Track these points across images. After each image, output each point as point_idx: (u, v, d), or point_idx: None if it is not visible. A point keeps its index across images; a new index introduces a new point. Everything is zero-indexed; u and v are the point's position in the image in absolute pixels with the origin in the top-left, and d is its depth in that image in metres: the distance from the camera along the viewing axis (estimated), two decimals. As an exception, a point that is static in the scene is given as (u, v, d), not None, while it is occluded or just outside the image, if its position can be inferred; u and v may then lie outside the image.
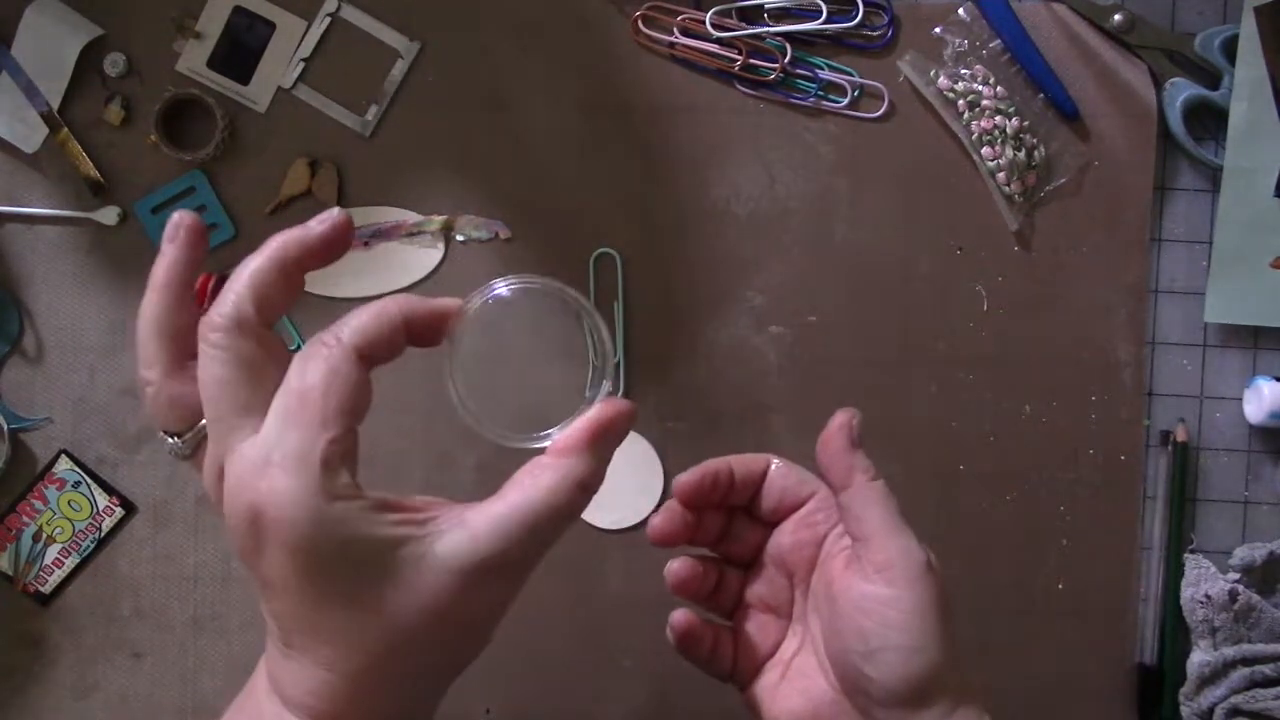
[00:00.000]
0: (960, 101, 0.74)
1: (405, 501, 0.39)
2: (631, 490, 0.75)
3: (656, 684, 0.75)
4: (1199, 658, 0.74)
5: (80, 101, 0.74)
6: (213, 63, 0.74)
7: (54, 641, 0.75)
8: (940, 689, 0.45)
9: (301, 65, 0.75)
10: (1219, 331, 0.76)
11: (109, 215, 0.74)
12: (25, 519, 0.75)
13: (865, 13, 0.74)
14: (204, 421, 0.40)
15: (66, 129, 0.74)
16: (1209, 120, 0.76)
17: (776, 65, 0.74)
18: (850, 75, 0.75)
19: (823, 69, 0.75)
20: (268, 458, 0.37)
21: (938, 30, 0.75)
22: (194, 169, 0.74)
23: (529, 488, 0.39)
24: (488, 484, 0.40)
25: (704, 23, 0.74)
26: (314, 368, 0.38)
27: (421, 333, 0.40)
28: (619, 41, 0.75)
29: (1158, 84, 0.75)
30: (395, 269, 0.75)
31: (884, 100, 0.75)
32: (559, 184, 0.75)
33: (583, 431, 0.40)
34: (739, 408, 0.75)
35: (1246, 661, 0.73)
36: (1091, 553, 0.76)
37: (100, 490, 0.75)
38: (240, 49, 0.74)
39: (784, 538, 0.51)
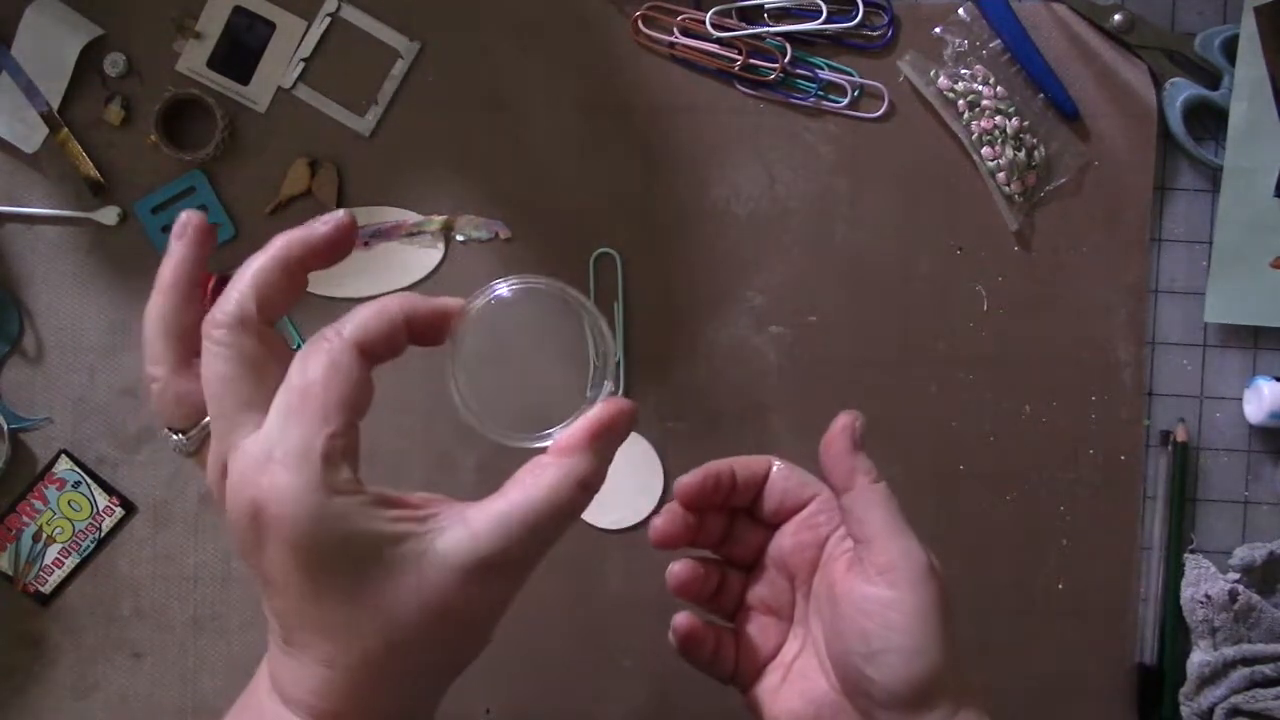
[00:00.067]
0: (960, 101, 0.74)
1: (406, 498, 0.39)
2: (631, 490, 0.75)
3: (656, 684, 0.75)
4: (1199, 658, 0.74)
5: (80, 101, 0.74)
6: (213, 63, 0.74)
7: (54, 641, 0.75)
8: (941, 691, 0.45)
9: (301, 65, 0.75)
10: (1219, 331, 0.76)
11: (109, 215, 0.74)
12: (25, 519, 0.75)
13: (865, 13, 0.74)
14: (208, 419, 0.40)
15: (66, 129, 0.74)
16: (1209, 120, 0.76)
17: (776, 65, 0.74)
18: (850, 75, 0.75)
19: (823, 69, 0.75)
20: (269, 453, 0.37)
21: (938, 30, 0.75)
22: (194, 169, 0.74)
23: (530, 486, 0.39)
24: (488, 484, 0.40)
25: (704, 23, 0.74)
26: (315, 363, 0.38)
27: (423, 331, 0.40)
28: (619, 41, 0.75)
29: (1158, 84, 0.75)
30: (395, 269, 0.75)
31: (884, 100, 0.75)
32: (559, 184, 0.75)
33: (584, 430, 0.40)
34: (739, 408, 0.75)
35: (1246, 661, 0.73)
36: (1091, 553, 0.76)
37: (100, 490, 0.75)
38: (240, 49, 0.74)
39: (785, 539, 0.51)
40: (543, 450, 0.41)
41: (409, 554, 0.38)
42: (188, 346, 0.41)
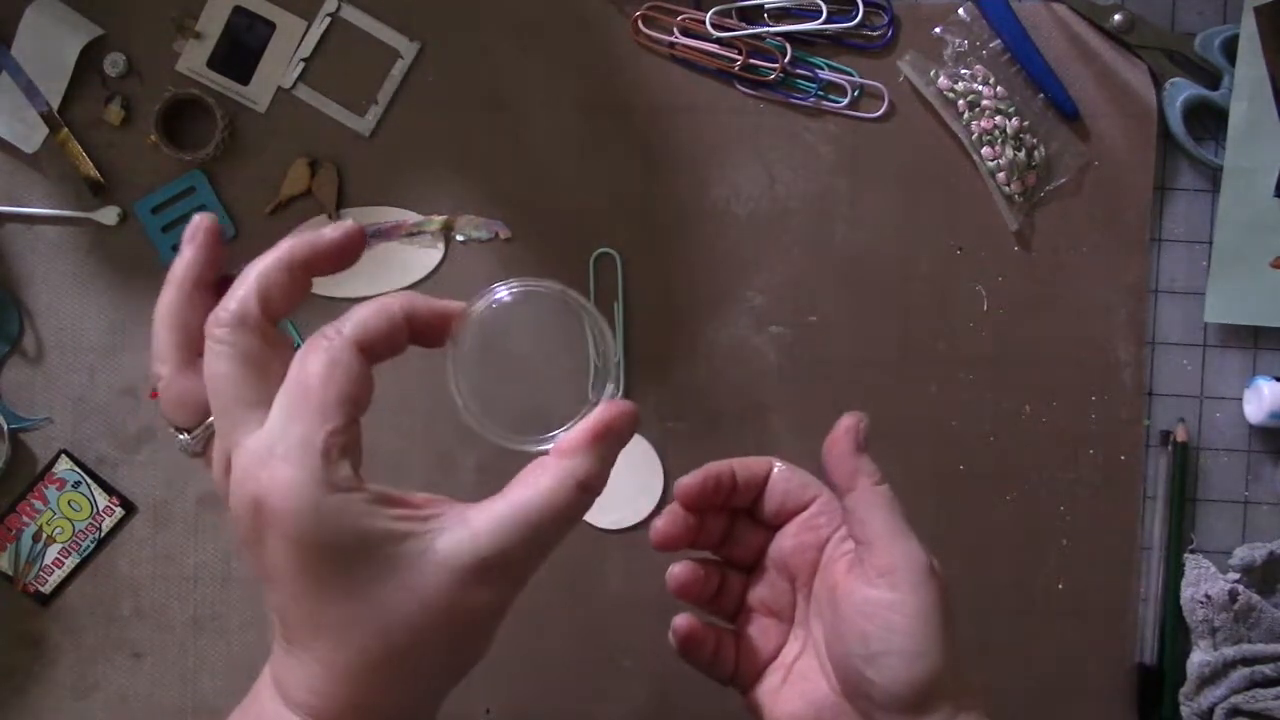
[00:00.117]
0: (960, 101, 0.74)
1: (407, 497, 0.39)
2: (631, 490, 0.75)
3: (656, 684, 0.75)
4: (1199, 658, 0.74)
5: (80, 101, 0.74)
6: (213, 63, 0.74)
7: (54, 641, 0.75)
8: (941, 693, 0.45)
9: (301, 65, 0.75)
10: (1219, 331, 0.76)
11: (109, 215, 0.74)
12: (25, 519, 0.75)
13: (865, 13, 0.74)
14: (211, 418, 0.40)
15: (66, 129, 0.74)
16: (1209, 120, 0.76)
17: (776, 65, 0.74)
18: (850, 75, 0.75)
19: (823, 69, 0.75)
20: (271, 449, 0.37)
21: (938, 30, 0.75)
22: (194, 169, 0.74)
23: (531, 487, 0.39)
24: (488, 484, 0.40)
25: (704, 23, 0.74)
26: (315, 360, 0.38)
27: (424, 332, 0.40)
28: (619, 41, 0.75)
29: (1158, 84, 0.75)
30: (395, 269, 0.75)
31: (884, 100, 0.75)
32: (559, 184, 0.75)
33: (585, 432, 0.40)
34: (739, 408, 0.75)
35: (1246, 661, 0.73)
36: (1091, 553, 0.76)
37: (100, 490, 0.75)
38: (240, 49, 0.74)
39: (786, 541, 0.51)
40: (545, 453, 0.41)
41: (409, 552, 0.38)
42: (193, 346, 0.41)
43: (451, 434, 0.74)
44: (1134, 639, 0.76)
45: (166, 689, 0.75)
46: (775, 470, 0.51)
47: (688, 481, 0.49)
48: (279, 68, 0.75)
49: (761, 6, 0.75)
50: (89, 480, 0.75)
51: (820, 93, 0.75)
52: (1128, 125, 0.75)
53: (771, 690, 0.50)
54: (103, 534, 0.75)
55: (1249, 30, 0.74)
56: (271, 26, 0.74)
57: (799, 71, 0.75)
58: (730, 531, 0.52)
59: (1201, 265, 0.76)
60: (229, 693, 0.75)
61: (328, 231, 0.41)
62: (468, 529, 0.38)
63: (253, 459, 0.37)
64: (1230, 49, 0.74)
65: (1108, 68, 0.75)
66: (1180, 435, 0.75)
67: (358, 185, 0.75)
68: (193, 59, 0.74)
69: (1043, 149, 0.75)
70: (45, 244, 0.75)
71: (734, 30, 0.74)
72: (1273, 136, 0.74)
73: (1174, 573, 0.75)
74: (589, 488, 0.40)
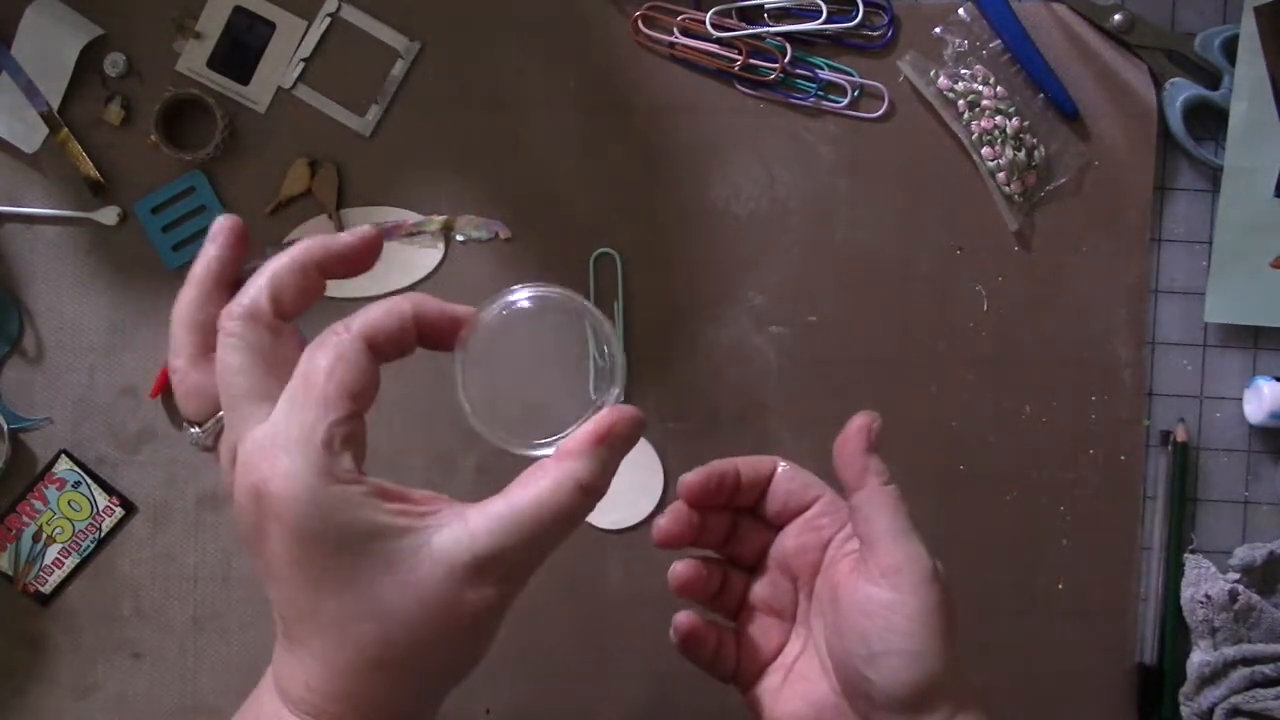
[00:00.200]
0: (960, 101, 0.74)
1: (407, 493, 0.39)
2: (632, 490, 0.75)
3: (656, 684, 0.75)
4: (1199, 658, 0.74)
5: (80, 101, 0.74)
6: (213, 63, 0.74)
7: (54, 641, 0.75)
8: (941, 695, 0.45)
9: (301, 65, 0.75)
10: (1219, 331, 0.76)
11: (109, 215, 0.74)
12: (25, 519, 0.75)
13: (865, 13, 0.74)
14: (221, 413, 0.40)
15: (66, 129, 0.74)
16: (1209, 120, 0.76)
17: (776, 65, 0.74)
18: (850, 75, 0.75)
19: (823, 69, 0.75)
20: (274, 440, 0.38)
21: (938, 30, 0.75)
22: (194, 169, 0.74)
23: (530, 488, 0.39)
24: (488, 484, 0.40)
25: (704, 23, 0.74)
26: (321, 354, 0.39)
27: (432, 334, 0.41)
28: (619, 41, 0.75)
29: (1158, 84, 0.75)
30: (395, 269, 0.75)
31: (884, 100, 0.75)
32: (559, 184, 0.75)
33: (587, 435, 0.40)
34: (739, 408, 0.75)
35: (1246, 661, 0.73)
36: (1091, 553, 0.76)
37: (100, 490, 0.75)
38: (240, 49, 0.74)
39: (788, 541, 0.51)
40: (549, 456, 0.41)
41: (406, 548, 0.38)
42: (209, 342, 0.42)
43: (451, 434, 0.74)
44: (1134, 639, 0.76)
45: (166, 689, 0.75)
46: (779, 470, 0.51)
47: (692, 478, 0.49)
48: (279, 68, 0.75)
49: (761, 6, 0.75)
50: (89, 480, 0.75)
51: (820, 93, 0.75)
52: (1128, 125, 0.75)
53: (772, 690, 0.50)
54: (103, 534, 0.75)
55: (1249, 30, 0.74)
56: (271, 26, 0.74)
57: (799, 71, 0.75)
58: (733, 530, 0.52)
59: (1201, 265, 0.76)
60: (229, 693, 0.75)
61: (344, 235, 0.42)
62: (466, 527, 0.38)
63: (257, 449, 0.38)
64: (1230, 49, 0.74)
65: (1108, 68, 0.75)
66: (1180, 435, 0.75)
67: (358, 185, 0.75)
68: (193, 59, 0.74)
69: (1043, 149, 0.75)
70: (45, 244, 0.75)
71: (734, 30, 0.74)
72: (1273, 136, 0.74)
73: (1174, 573, 0.75)
74: (589, 490, 0.40)
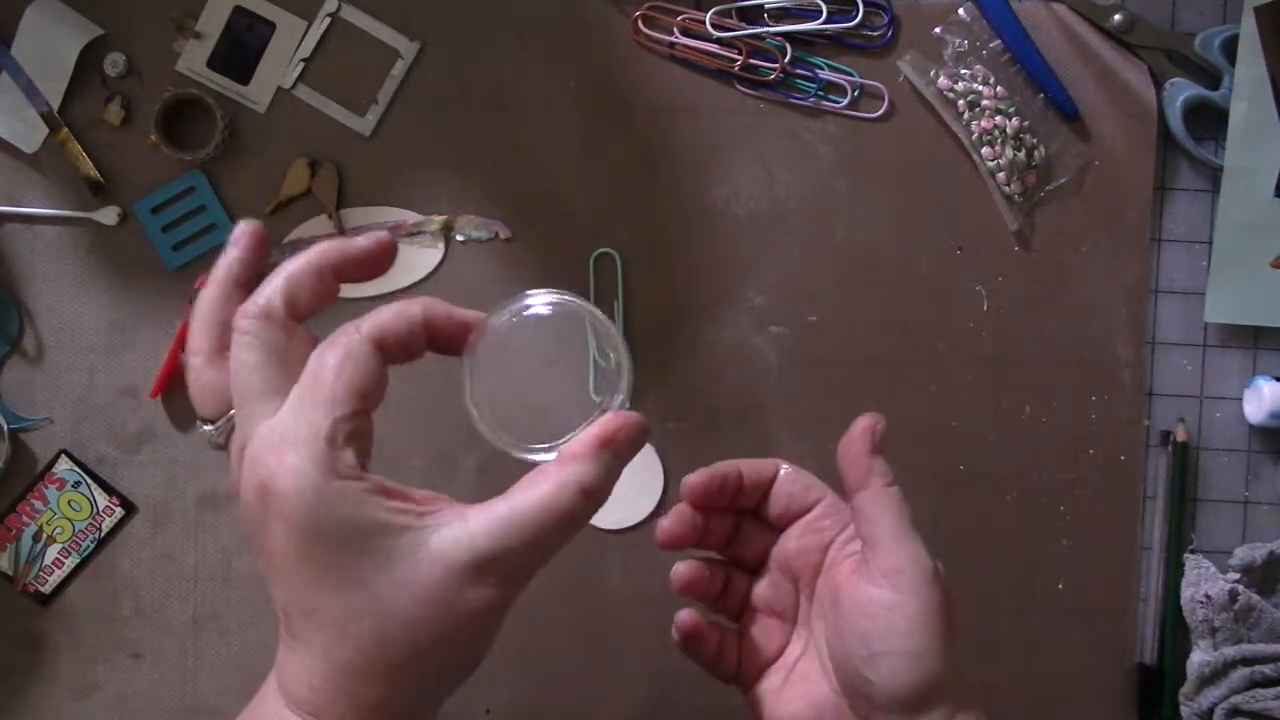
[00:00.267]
0: (960, 101, 0.74)
1: (408, 491, 0.40)
2: (632, 491, 0.75)
3: (656, 684, 0.75)
4: (1199, 658, 0.74)
5: (80, 101, 0.74)
6: (213, 63, 0.74)
7: (54, 641, 0.75)
8: (941, 696, 0.45)
9: (301, 65, 0.75)
10: (1219, 331, 0.76)
11: (109, 215, 0.74)
12: (25, 519, 0.75)
13: (865, 13, 0.74)
14: (234, 411, 0.41)
15: (66, 129, 0.74)
16: (1209, 120, 0.76)
17: (776, 65, 0.74)
18: (850, 75, 0.75)
19: (823, 69, 0.75)
20: (281, 435, 0.38)
21: (938, 30, 0.75)
22: (194, 169, 0.74)
23: (531, 490, 0.39)
24: (488, 484, 0.40)
25: (704, 23, 0.74)
26: (330, 353, 0.39)
27: (442, 339, 0.41)
28: (619, 41, 0.75)
29: (1158, 84, 0.75)
30: (395, 269, 0.74)
31: (884, 100, 0.75)
32: (559, 184, 0.75)
33: (589, 439, 0.40)
34: (739, 408, 0.75)
35: (1246, 661, 0.73)
36: (1091, 553, 0.76)
37: (100, 490, 0.75)
38: (240, 49, 0.74)
39: (790, 542, 0.51)
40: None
41: (405, 546, 0.38)
42: (224, 339, 0.42)
43: (452, 434, 0.74)
44: (1134, 639, 0.76)
45: (166, 689, 0.75)
46: (782, 472, 0.51)
47: (695, 480, 0.49)
48: (279, 68, 0.75)
49: (761, 6, 0.75)
50: (89, 480, 0.75)
51: (820, 93, 0.75)
52: (1128, 125, 0.75)
53: (773, 690, 0.50)
54: (103, 534, 0.75)
55: (1249, 30, 0.74)
56: (271, 26, 0.74)
57: (799, 71, 0.75)
58: (736, 532, 0.52)
59: (1201, 265, 0.76)
60: (229, 693, 0.75)
61: (360, 240, 0.42)
62: (465, 527, 0.39)
63: (264, 445, 0.38)
64: (1230, 49, 0.74)
65: (1108, 68, 0.75)
66: (1180, 435, 0.75)
67: (358, 185, 0.75)
68: (193, 59, 0.74)
69: (1043, 149, 0.75)
70: (45, 244, 0.75)
71: (734, 30, 0.74)
72: (1273, 136, 0.74)
73: (1174, 573, 0.75)
74: (591, 494, 0.40)
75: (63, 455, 0.75)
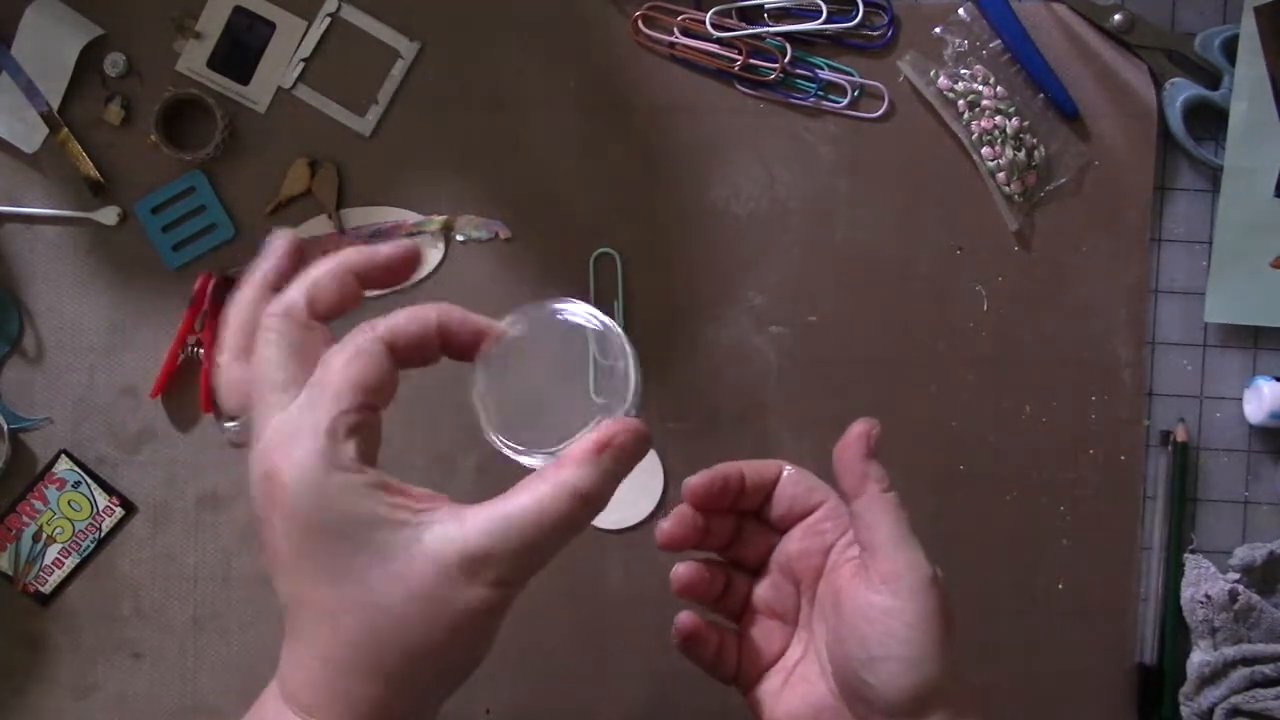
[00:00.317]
0: (960, 101, 0.74)
1: (407, 488, 0.40)
2: (632, 491, 0.75)
3: (656, 684, 0.75)
4: (1199, 658, 0.74)
5: (80, 101, 0.74)
6: (213, 63, 0.74)
7: (54, 641, 0.75)
8: (939, 700, 0.45)
9: (301, 65, 0.75)
10: (1219, 331, 0.76)
11: (109, 215, 0.74)
12: (25, 519, 0.75)
13: (865, 13, 0.74)
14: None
15: (66, 129, 0.74)
16: (1209, 120, 0.76)
17: (776, 65, 0.74)
18: (850, 75, 0.75)
19: (823, 69, 0.75)
20: (289, 428, 0.39)
21: (938, 30, 0.75)
22: (194, 169, 0.74)
23: (528, 493, 0.40)
24: (488, 485, 0.40)
25: (704, 23, 0.74)
26: (341, 350, 0.40)
27: (455, 344, 0.42)
28: (619, 41, 0.75)
29: (1158, 84, 0.75)
30: (395, 269, 0.75)
31: (884, 100, 0.75)
32: (559, 184, 0.75)
33: (588, 444, 0.41)
34: (739, 408, 0.75)
35: (1246, 661, 0.73)
36: (1091, 553, 0.76)
37: (100, 490, 0.75)
38: (240, 49, 0.74)
39: (792, 544, 0.51)
40: None
41: (399, 541, 0.38)
42: (249, 340, 0.43)
43: (452, 434, 0.74)
44: (1134, 639, 0.76)
45: (166, 689, 0.75)
46: (784, 474, 0.51)
47: (696, 481, 0.49)
48: (279, 68, 0.75)
49: (761, 6, 0.75)
50: (89, 480, 0.75)
51: (820, 93, 0.75)
52: (1128, 125, 0.75)
53: (773, 691, 0.50)
54: (103, 534, 0.75)
55: (1249, 30, 0.74)
56: (271, 26, 0.74)
57: (799, 71, 0.75)
58: (737, 533, 0.52)
59: (1201, 265, 0.76)
60: (229, 693, 0.75)
61: (385, 247, 0.43)
62: (460, 525, 0.39)
63: (273, 437, 0.39)
64: (1230, 49, 0.74)
65: (1108, 68, 0.75)
66: (1180, 435, 0.75)
67: (358, 185, 0.75)
68: (193, 59, 0.74)
69: (1043, 149, 0.75)
70: (45, 244, 0.75)
71: (734, 30, 0.74)
72: (1273, 136, 0.74)
73: (1174, 573, 0.75)
74: (586, 499, 0.40)
75: (63, 455, 0.75)
